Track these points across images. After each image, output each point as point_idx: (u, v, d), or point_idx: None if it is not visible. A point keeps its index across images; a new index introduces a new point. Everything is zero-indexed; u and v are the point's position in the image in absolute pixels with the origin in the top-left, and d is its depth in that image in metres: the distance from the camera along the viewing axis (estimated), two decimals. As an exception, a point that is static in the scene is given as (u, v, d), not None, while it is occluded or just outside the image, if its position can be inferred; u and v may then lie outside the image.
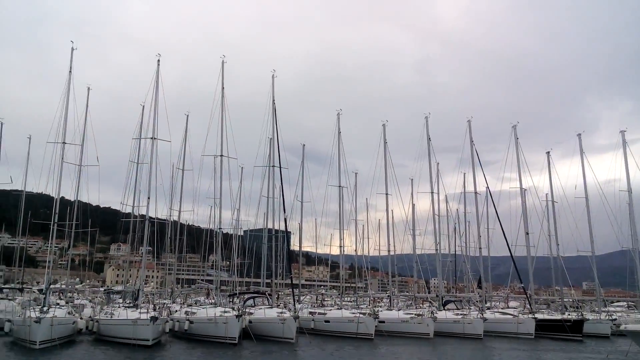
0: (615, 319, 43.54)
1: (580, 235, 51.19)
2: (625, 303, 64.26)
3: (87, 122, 43.14)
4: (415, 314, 41.59)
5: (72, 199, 43.52)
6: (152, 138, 38.40)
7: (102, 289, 60.58)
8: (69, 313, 33.35)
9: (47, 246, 39.69)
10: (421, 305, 54.45)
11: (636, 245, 50.72)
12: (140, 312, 30.64)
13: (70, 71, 40.14)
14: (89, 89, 44.93)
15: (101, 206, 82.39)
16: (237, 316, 32.08)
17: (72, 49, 40.66)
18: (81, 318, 35.35)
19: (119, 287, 55.84)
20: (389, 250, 52.69)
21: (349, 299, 58.95)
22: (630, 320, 40.25)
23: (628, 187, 52.18)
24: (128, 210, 44.66)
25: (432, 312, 41.96)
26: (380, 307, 51.39)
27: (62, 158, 38.04)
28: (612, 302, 67.49)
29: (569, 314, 44.61)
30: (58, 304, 37.26)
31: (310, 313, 41.82)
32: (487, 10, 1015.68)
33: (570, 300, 53.21)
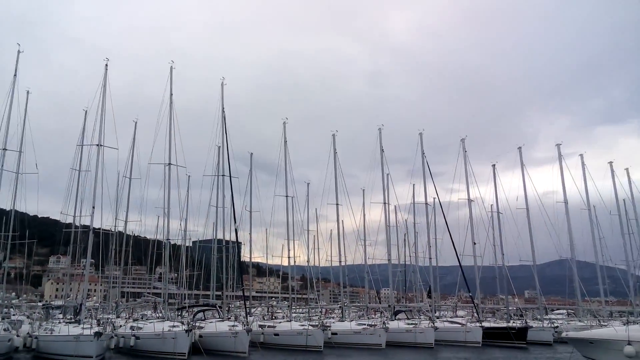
0: (557, 327, 45.35)
1: (523, 244, 53.27)
2: (565, 311, 67.17)
3: (25, 128, 41.06)
4: (367, 325, 41.78)
5: (8, 209, 41.23)
6: (97, 145, 36.84)
7: (40, 304, 57.34)
8: (4, 330, 31.22)
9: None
10: (373, 315, 54.78)
11: (574, 255, 53.28)
12: (83, 328, 29.18)
13: (15, 75, 38.42)
14: (28, 92, 42.79)
15: (39, 216, 78.50)
16: (186, 331, 31.09)
17: (18, 52, 38.99)
18: (17, 335, 33.14)
19: (59, 302, 53.03)
20: (340, 261, 52.86)
21: (300, 310, 58.58)
22: (571, 327, 41.98)
23: (564, 198, 54.83)
24: (69, 220, 42.60)
25: (384, 323, 42.21)
26: (332, 318, 51.41)
27: (2, 165, 36.06)
28: (553, 310, 70.44)
29: (514, 322, 46.13)
30: None
31: (260, 326, 41.19)
32: (436, 26, 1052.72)
33: (514, 308, 55.04)
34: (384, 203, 53.91)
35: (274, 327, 40.95)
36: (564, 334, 32.16)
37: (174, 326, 32.17)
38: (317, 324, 40.38)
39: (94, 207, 36.08)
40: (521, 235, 53.47)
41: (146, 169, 45.52)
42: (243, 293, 41.98)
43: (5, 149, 36.77)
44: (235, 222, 42.40)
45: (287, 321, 42.63)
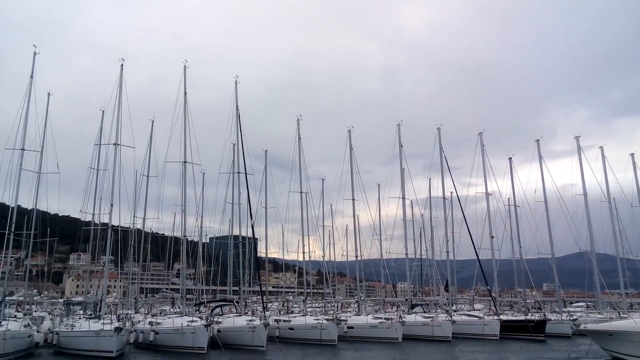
0: (575, 319, 44.88)
1: (541, 237, 52.63)
2: (584, 303, 66.38)
3: (47, 128, 41.81)
4: (383, 319, 41.79)
5: (30, 208, 42.03)
6: (115, 144, 37.41)
7: (61, 300, 58.43)
8: (25, 326, 31.88)
9: (3, 257, 37.96)
10: (390, 309, 54.79)
11: (593, 248, 52.48)
12: (103, 323, 29.70)
13: (31, 76, 39.00)
14: (49, 94, 43.50)
15: (60, 214, 79.81)
16: (205, 325, 31.46)
17: (35, 53, 39.59)
18: (38, 331, 33.83)
19: (79, 298, 54.03)
20: (356, 256, 52.87)
21: (317, 305, 58.82)
22: (590, 320, 41.52)
23: (584, 191, 53.94)
24: (88, 218, 43.35)
25: (400, 316, 42.20)
26: (349, 312, 51.56)
27: (21, 165, 36.76)
28: (572, 303, 69.66)
29: (532, 315, 45.76)
30: (15, 316, 35.64)
31: (276, 320, 41.52)
32: (450, 21, 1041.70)
33: (532, 301, 54.54)
34: (402, 198, 53.77)
35: (289, 321, 41.23)
36: (582, 327, 31.87)
37: (192, 321, 32.56)
38: (332, 318, 40.53)
39: (112, 205, 36.74)
40: (539, 228, 52.92)
41: (160, 166, 46.17)
42: (260, 288, 42.25)
43: (23, 149, 37.41)
44: (252, 218, 42.81)
45: (302, 315, 42.89)
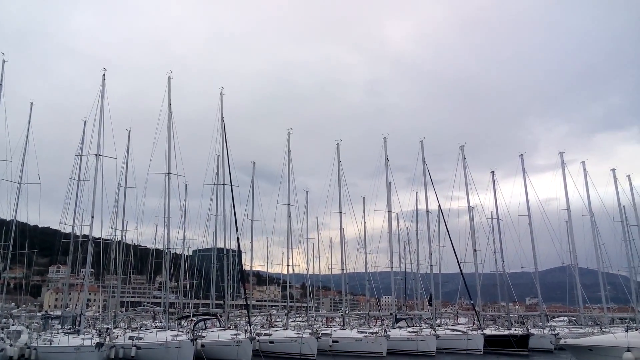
0: (557, 334, 45.11)
1: (524, 251, 53.00)
2: (566, 318, 66.89)
3: (28, 138, 41.29)
4: (368, 333, 41.58)
5: (9, 219, 41.21)
6: (96, 155, 36.89)
7: (39, 314, 57.02)
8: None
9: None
10: (374, 323, 54.54)
11: (575, 262, 53.06)
12: (83, 338, 29.01)
13: (0, 84, 38.52)
14: (32, 104, 43.11)
15: (40, 226, 78.31)
16: (191, 340, 30.95)
17: (3, 61, 39.10)
18: (11, 345, 32.80)
19: (58, 312, 52.75)
20: (342, 269, 52.77)
21: (301, 319, 58.27)
22: (572, 334, 41.78)
23: (567, 205, 54.69)
24: (68, 230, 42.52)
25: (385, 331, 42.01)
26: (333, 326, 51.23)
27: None
28: (554, 317, 70.14)
29: (515, 329, 45.92)
30: None
31: (257, 334, 41.11)
32: (434, 34, 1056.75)
33: (516, 315, 54.79)
34: (388, 211, 53.83)
35: (270, 334, 40.80)
36: (562, 341, 31.96)
37: (177, 336, 32.00)
38: (313, 332, 40.27)
39: (92, 217, 36.17)
40: (522, 242, 53.32)
41: (142, 177, 45.62)
42: (246, 301, 41.89)
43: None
44: (237, 231, 42.49)
45: (284, 329, 42.50)
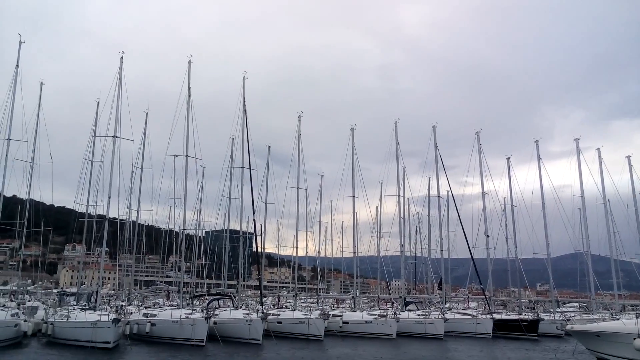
0: (569, 319, 45.07)
1: (536, 237, 52.84)
2: (577, 304, 66.76)
3: (39, 118, 41.78)
4: (378, 315, 41.97)
5: (24, 198, 41.91)
6: (113, 136, 37.27)
7: (55, 291, 58.23)
8: (12, 315, 31.55)
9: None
10: (384, 306, 55.00)
11: (588, 249, 52.77)
12: (100, 314, 29.62)
13: (17, 65, 39.27)
14: (41, 84, 43.50)
15: (55, 205, 79.49)
16: (205, 317, 31.49)
17: (20, 42, 39.68)
18: (25, 320, 33.58)
19: (74, 289, 53.86)
20: (354, 252, 52.96)
21: (311, 300, 58.93)
22: (583, 320, 41.70)
23: (581, 192, 54.18)
24: (82, 209, 43.21)
25: (395, 313, 42.37)
26: (344, 308, 51.77)
27: (7, 154, 37.01)
28: (565, 303, 70.06)
29: (525, 315, 46.00)
30: (4, 305, 35.36)
31: (264, 313, 41.70)
32: (449, 19, 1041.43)
33: (526, 300, 54.82)
34: (399, 196, 53.83)
35: (278, 315, 41.33)
36: (568, 327, 31.78)
37: (191, 314, 32.56)
38: (321, 313, 40.73)
39: (109, 197, 36.63)
40: (535, 228, 53.13)
41: (157, 159, 46.12)
42: (260, 282, 42.42)
43: (9, 139, 37.53)
44: (254, 213, 42.96)
45: (292, 310, 43.05)
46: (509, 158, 57.22)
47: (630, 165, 54.68)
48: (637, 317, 27.05)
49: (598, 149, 55.75)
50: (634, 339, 24.53)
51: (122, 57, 39.45)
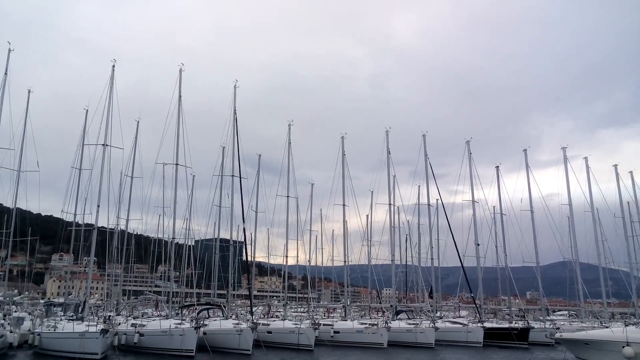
0: (558, 327, 45.26)
1: (526, 246, 53.09)
2: (567, 312, 67.08)
3: (26, 126, 41.43)
4: (369, 324, 41.82)
5: (10, 206, 41.39)
6: (103, 145, 36.95)
7: (42, 301, 57.40)
8: None
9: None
10: (375, 315, 54.84)
11: (576, 257, 53.14)
12: (87, 325, 29.22)
13: (6, 73, 38.81)
14: (29, 91, 43.24)
15: (42, 214, 78.63)
16: (195, 327, 31.18)
17: (9, 50, 39.33)
18: (11, 332, 32.98)
19: (61, 299, 53.14)
20: (345, 261, 52.95)
21: (302, 310, 58.58)
22: (571, 328, 41.89)
23: (569, 201, 54.68)
24: (70, 218, 42.73)
25: (385, 322, 42.24)
26: (334, 317, 51.51)
27: None
28: (554, 311, 70.33)
29: (515, 323, 46.10)
30: None
31: (254, 324, 41.40)
32: (440, 29, 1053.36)
33: (516, 309, 54.99)
34: (390, 204, 53.91)
35: (267, 324, 41.08)
36: (557, 335, 31.84)
37: (180, 324, 32.23)
38: (311, 322, 40.54)
39: (98, 206, 36.26)
40: (524, 236, 53.39)
41: (146, 167, 45.74)
42: (249, 292, 42.12)
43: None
44: (244, 222, 42.69)
45: (282, 319, 42.78)
46: (498, 167, 57.64)
47: (617, 174, 55.41)
48: (625, 325, 27.26)
49: (585, 158, 56.44)
50: (623, 346, 24.71)
51: (113, 65, 39.27)
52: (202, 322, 35.46)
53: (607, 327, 32.13)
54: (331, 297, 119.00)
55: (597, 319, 49.57)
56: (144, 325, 34.02)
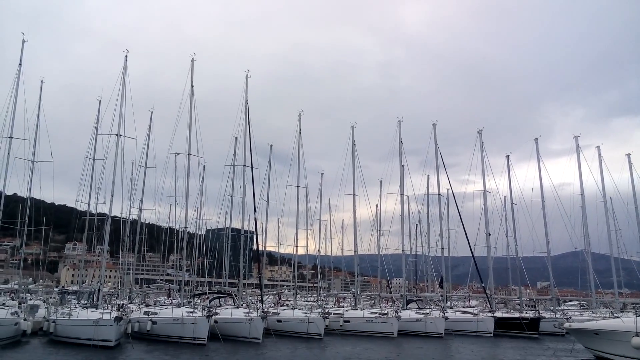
0: (568, 317, 45.09)
1: (537, 236, 52.83)
2: (578, 302, 66.84)
3: (40, 116, 41.85)
4: (379, 313, 42.00)
5: (25, 196, 41.97)
6: (117, 135, 37.27)
7: (56, 289, 58.32)
8: (12, 314, 31.41)
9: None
10: (385, 304, 55.06)
11: (588, 247, 52.79)
12: (102, 312, 29.68)
13: (20, 64, 39.24)
14: (42, 82, 43.52)
15: (56, 203, 79.62)
16: (207, 316, 31.55)
17: (23, 41, 39.55)
18: (25, 319, 33.50)
19: (75, 287, 53.98)
20: (355, 250, 53.00)
21: (312, 299, 58.94)
22: (582, 318, 41.73)
23: (581, 190, 54.19)
24: (84, 207, 43.30)
25: (396, 311, 42.40)
26: (344, 306, 51.84)
27: (9, 152, 37.11)
28: (565, 302, 70.14)
29: (526, 313, 46.05)
30: (4, 304, 35.36)
31: (264, 312, 41.77)
32: (449, 17, 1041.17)
33: (527, 299, 54.88)
34: (400, 194, 53.84)
35: (277, 313, 41.40)
36: (566, 325, 31.73)
37: (192, 312, 32.61)
38: (321, 311, 40.83)
39: (112, 196, 36.72)
40: (535, 226, 53.12)
41: (158, 158, 46.07)
42: (260, 281, 42.47)
43: (11, 137, 37.66)
44: (255, 212, 43.07)
45: (292, 309, 43.15)
46: (508, 156, 57.17)
47: (630, 163, 54.75)
48: (637, 316, 27.03)
49: (598, 147, 55.80)
50: (632, 337, 24.55)
51: (126, 56, 39.43)
52: (213, 310, 35.87)
53: (618, 317, 31.95)
54: (341, 287, 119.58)
55: (608, 309, 49.35)
56: (156, 313, 34.48)
